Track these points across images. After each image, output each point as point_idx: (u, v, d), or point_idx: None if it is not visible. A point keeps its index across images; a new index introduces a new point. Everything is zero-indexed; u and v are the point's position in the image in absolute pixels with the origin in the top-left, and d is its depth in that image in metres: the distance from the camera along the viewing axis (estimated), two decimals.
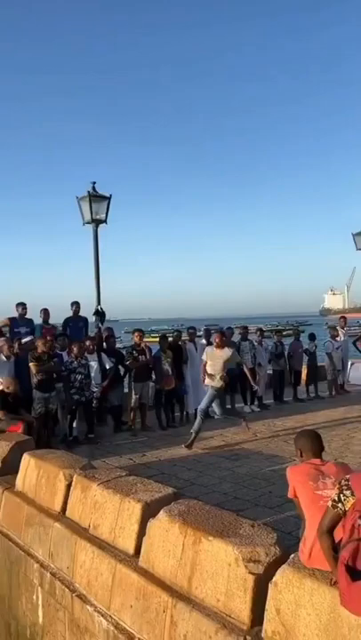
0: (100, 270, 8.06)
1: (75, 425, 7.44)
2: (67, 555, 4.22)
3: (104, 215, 7.68)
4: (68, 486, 4.66)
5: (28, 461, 5.33)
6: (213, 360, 7.14)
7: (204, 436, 7.53)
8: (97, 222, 7.67)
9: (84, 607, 3.84)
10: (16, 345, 7.37)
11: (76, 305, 8.84)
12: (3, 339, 7.27)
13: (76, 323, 8.74)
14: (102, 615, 3.65)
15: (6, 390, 6.60)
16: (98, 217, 7.61)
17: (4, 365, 6.88)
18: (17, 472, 5.50)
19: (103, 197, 7.62)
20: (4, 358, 6.94)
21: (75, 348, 7.38)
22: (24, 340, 7.40)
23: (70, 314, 8.78)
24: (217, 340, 7.31)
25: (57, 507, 4.67)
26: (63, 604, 4.10)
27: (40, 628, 4.50)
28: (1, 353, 7.01)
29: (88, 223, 7.71)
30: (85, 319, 8.97)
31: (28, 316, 8.56)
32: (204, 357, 7.36)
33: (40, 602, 4.48)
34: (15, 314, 8.40)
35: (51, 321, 8.87)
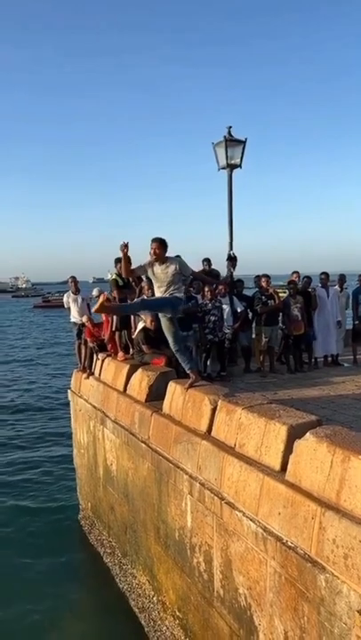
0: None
1: (208, 363, 7.90)
2: (214, 468, 4.67)
3: (239, 160, 7.76)
4: (213, 410, 5.08)
5: (174, 388, 5.87)
6: None
7: (336, 380, 7.59)
8: (232, 167, 7.78)
9: (232, 512, 4.27)
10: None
11: (207, 261, 9.17)
12: (145, 281, 7.84)
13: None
14: (251, 520, 4.05)
15: (149, 327, 7.21)
16: (233, 162, 7.72)
17: None
18: (162, 398, 6.10)
19: (238, 142, 7.69)
20: (145, 298, 7.53)
21: (208, 291, 7.75)
22: None
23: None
24: None
25: (203, 427, 5.14)
26: (212, 509, 4.59)
27: (188, 531, 5.09)
28: (143, 294, 7.60)
29: (223, 168, 7.85)
30: (217, 274, 9.28)
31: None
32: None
33: (189, 508, 5.04)
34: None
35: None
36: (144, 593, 6.29)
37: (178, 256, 9.21)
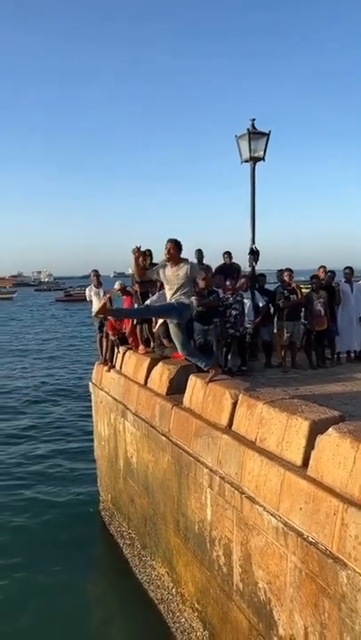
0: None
1: (229, 358, 7.86)
2: (235, 462, 4.67)
3: (262, 152, 7.69)
4: (234, 404, 5.07)
5: (194, 382, 5.87)
6: None
7: (359, 376, 7.47)
8: (255, 160, 7.71)
9: (253, 507, 4.26)
10: None
11: (227, 254, 9.15)
12: None
13: (228, 270, 9.05)
14: (271, 514, 4.03)
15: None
16: (256, 154, 7.65)
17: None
18: (182, 392, 6.11)
19: (262, 134, 7.61)
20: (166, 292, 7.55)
21: (230, 286, 7.71)
22: None
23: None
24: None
25: (223, 421, 5.13)
26: (232, 503, 4.58)
27: (208, 524, 5.09)
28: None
29: (246, 162, 7.78)
30: (238, 267, 9.26)
31: (182, 257, 9.19)
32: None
33: (209, 501, 5.05)
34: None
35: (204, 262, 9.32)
36: (163, 584, 6.33)
37: (199, 250, 9.25)
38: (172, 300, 5.63)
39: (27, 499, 9.86)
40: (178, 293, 5.58)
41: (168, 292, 5.70)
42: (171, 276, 5.60)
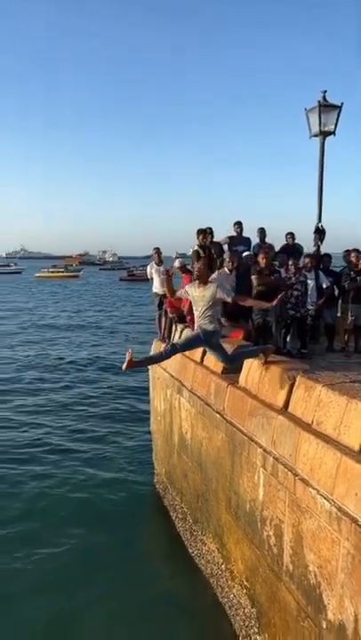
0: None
1: (288, 339, 7.69)
2: (289, 444, 4.58)
3: (333, 126, 7.32)
4: (291, 386, 4.96)
5: (251, 362, 5.80)
6: None
7: None
8: (325, 134, 7.36)
9: (306, 489, 4.18)
10: (236, 260, 7.84)
11: (290, 235, 8.91)
12: (227, 253, 7.78)
13: (291, 251, 8.82)
14: (325, 498, 3.93)
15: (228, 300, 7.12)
16: (326, 129, 7.29)
17: (227, 278, 7.39)
18: (238, 371, 6.06)
19: (333, 107, 7.23)
20: (227, 271, 7.46)
21: (292, 265, 7.50)
22: (244, 254, 7.86)
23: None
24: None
25: (279, 402, 5.04)
26: (285, 484, 4.52)
27: (260, 504, 5.06)
28: (225, 267, 7.53)
29: (315, 136, 7.46)
30: (300, 248, 9.00)
31: (245, 235, 9.05)
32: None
33: (261, 481, 5.00)
34: (233, 233, 8.96)
35: (267, 240, 9.12)
36: (213, 560, 6.40)
37: (261, 229, 9.04)
38: (197, 324, 5.62)
39: (81, 469, 10.20)
40: (203, 316, 5.52)
41: (195, 313, 5.73)
42: (197, 296, 5.58)
